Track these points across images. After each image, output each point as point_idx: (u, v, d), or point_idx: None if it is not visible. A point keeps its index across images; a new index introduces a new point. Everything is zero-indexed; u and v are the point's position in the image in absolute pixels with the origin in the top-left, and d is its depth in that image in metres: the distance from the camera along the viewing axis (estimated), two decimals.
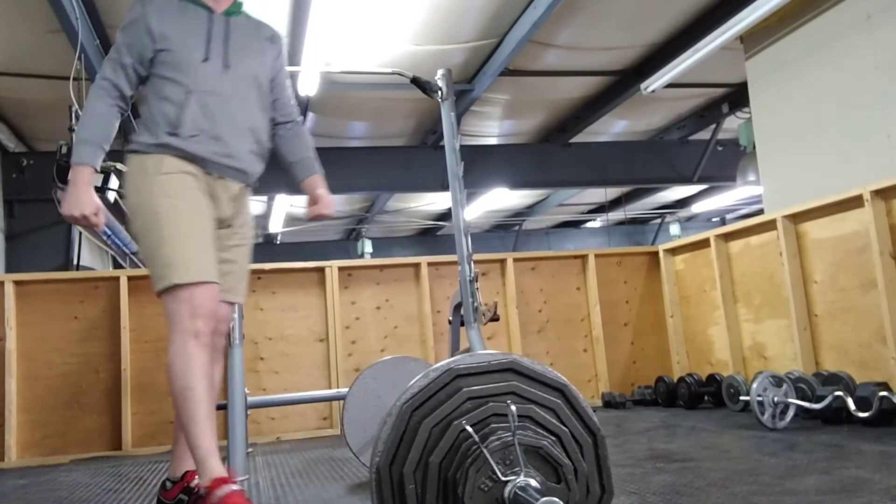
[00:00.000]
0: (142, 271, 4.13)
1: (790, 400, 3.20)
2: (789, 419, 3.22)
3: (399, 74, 3.41)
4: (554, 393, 1.39)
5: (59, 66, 4.97)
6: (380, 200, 10.07)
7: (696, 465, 2.47)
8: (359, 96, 6.32)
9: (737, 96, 6.95)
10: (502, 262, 4.82)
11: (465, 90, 6.03)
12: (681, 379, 4.33)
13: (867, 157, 4.07)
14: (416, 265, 4.68)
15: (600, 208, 12.37)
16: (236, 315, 3.04)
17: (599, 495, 1.37)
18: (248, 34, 2.24)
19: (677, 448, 2.86)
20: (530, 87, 6.43)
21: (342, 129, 7.32)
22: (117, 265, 8.65)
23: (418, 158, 7.62)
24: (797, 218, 3.86)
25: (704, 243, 4.55)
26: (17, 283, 4.03)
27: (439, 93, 3.33)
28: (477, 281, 3.12)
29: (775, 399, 3.21)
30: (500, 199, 10.07)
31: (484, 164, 7.56)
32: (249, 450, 3.60)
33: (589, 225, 14.01)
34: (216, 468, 1.88)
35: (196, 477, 2.17)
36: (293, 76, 5.38)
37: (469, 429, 1.28)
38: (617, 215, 12.88)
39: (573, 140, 7.88)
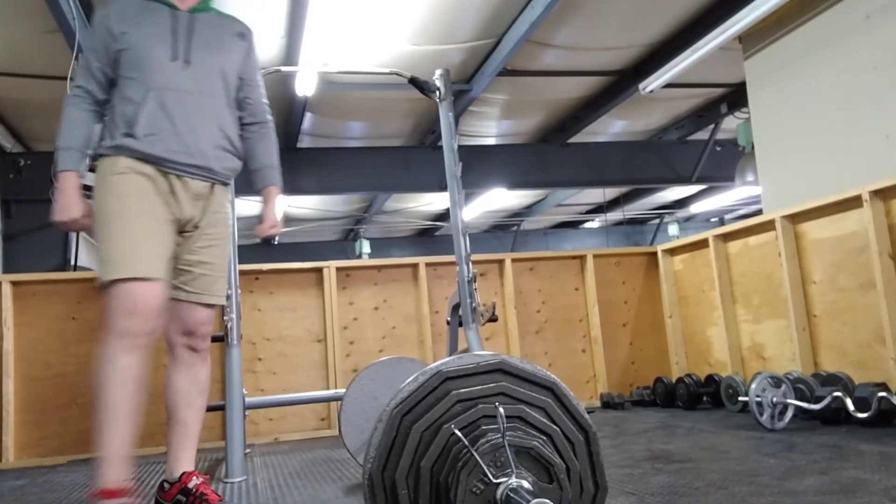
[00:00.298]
0: None
1: (789, 400, 3.20)
2: (788, 420, 3.22)
3: (397, 74, 3.41)
4: (544, 392, 1.39)
5: (57, 66, 4.96)
6: (378, 201, 10.06)
7: (694, 465, 2.47)
8: (357, 96, 6.31)
9: (735, 96, 6.94)
10: (500, 262, 4.82)
11: (463, 90, 6.02)
12: (679, 379, 4.32)
13: (866, 157, 4.07)
14: (415, 266, 4.67)
15: (599, 209, 12.37)
16: (234, 316, 3.04)
17: (594, 493, 1.37)
18: (216, 30, 2.22)
19: (676, 449, 2.85)
20: (528, 87, 6.42)
21: (340, 130, 7.31)
22: None
23: (416, 159, 7.62)
24: (796, 218, 3.86)
25: (703, 244, 4.55)
26: (14, 283, 4.02)
27: (437, 93, 3.33)
28: (475, 281, 3.12)
29: (774, 399, 3.20)
30: (498, 199, 10.06)
31: (482, 165, 7.56)
32: (247, 450, 3.59)
33: (587, 225, 14.01)
34: (109, 477, 1.88)
35: (194, 478, 2.17)
36: (291, 76, 5.38)
37: (458, 433, 1.28)
38: (615, 216, 12.88)
39: (571, 140, 7.88)
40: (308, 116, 6.70)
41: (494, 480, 1.24)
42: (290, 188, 7.39)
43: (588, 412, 1.44)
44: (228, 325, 3.04)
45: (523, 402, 1.36)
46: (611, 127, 7.98)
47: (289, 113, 6.46)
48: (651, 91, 5.45)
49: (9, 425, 3.86)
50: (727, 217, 14.03)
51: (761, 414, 3.20)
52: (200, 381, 2.27)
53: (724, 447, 2.81)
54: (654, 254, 5.04)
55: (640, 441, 3.13)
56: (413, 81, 3.32)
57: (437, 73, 3.36)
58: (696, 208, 12.57)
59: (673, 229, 13.44)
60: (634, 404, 4.62)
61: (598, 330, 4.82)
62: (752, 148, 5.23)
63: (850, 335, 3.54)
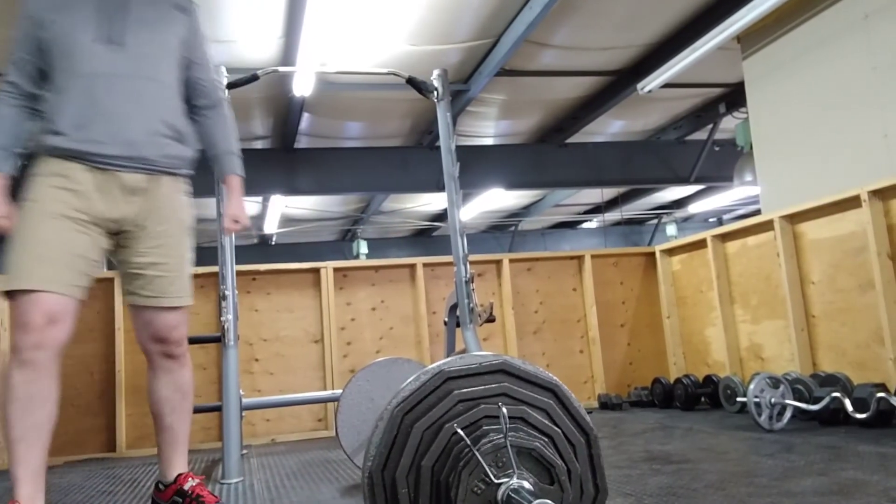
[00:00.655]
0: None
1: (787, 401, 3.19)
2: (786, 420, 3.21)
3: (395, 75, 3.40)
4: (546, 393, 1.38)
5: None
6: (375, 201, 10.05)
7: (692, 466, 2.46)
8: (354, 97, 6.31)
9: (734, 96, 6.95)
10: (498, 262, 4.81)
11: (460, 90, 6.02)
12: (677, 380, 4.32)
13: (865, 157, 4.07)
14: (412, 266, 4.66)
15: (597, 209, 12.38)
16: (231, 316, 3.03)
17: (594, 495, 1.36)
18: (152, 7, 2.06)
19: (674, 449, 2.85)
20: (526, 87, 6.42)
21: (337, 130, 7.31)
22: (112, 267, 8.61)
23: (414, 159, 7.61)
24: (794, 218, 3.85)
25: (701, 244, 4.55)
26: None
27: (435, 93, 3.32)
28: (473, 282, 3.11)
29: (772, 400, 3.20)
30: (496, 199, 10.06)
31: (480, 165, 7.55)
32: (244, 451, 3.58)
33: (585, 226, 14.02)
34: (18, 495, 1.83)
35: (189, 479, 2.16)
36: (288, 76, 5.36)
37: (461, 432, 1.27)
38: (613, 216, 12.89)
39: (569, 140, 7.88)
40: (306, 117, 6.69)
41: (496, 481, 1.23)
42: (288, 188, 7.38)
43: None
44: (225, 326, 3.03)
45: (525, 403, 1.35)
46: (609, 127, 7.98)
47: (286, 113, 6.45)
48: (649, 91, 5.45)
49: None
50: (725, 217, 14.04)
51: (759, 415, 3.19)
52: (182, 386, 2.16)
53: (722, 448, 2.80)
54: (653, 254, 5.03)
55: (638, 442, 3.13)
56: (411, 81, 3.32)
57: (435, 73, 3.35)
58: (694, 208, 12.58)
59: (671, 229, 13.45)
60: (632, 405, 4.61)
61: (596, 330, 4.82)
62: (751, 148, 5.23)
63: (849, 336, 3.53)
